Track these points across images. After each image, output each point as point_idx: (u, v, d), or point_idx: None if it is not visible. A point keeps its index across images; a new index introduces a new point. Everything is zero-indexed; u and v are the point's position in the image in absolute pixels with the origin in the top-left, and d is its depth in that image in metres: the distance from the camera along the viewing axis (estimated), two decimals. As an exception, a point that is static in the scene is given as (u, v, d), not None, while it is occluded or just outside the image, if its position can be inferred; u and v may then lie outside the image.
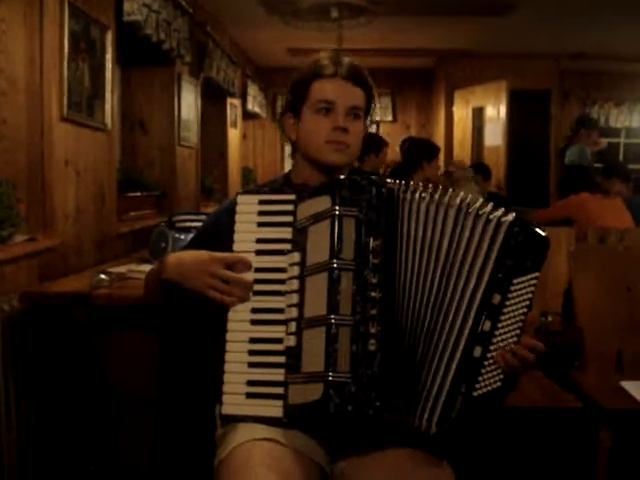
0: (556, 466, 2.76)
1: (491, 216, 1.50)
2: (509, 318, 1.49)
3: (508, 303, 1.48)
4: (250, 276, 1.59)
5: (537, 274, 1.50)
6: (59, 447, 2.76)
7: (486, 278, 1.48)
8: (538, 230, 1.52)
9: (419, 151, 4.43)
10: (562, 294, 3.42)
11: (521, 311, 1.49)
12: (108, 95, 3.58)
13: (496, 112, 7.62)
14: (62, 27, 3.01)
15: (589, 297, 2.85)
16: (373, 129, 9.45)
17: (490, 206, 1.51)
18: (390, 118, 9.37)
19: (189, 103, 5.39)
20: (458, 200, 1.51)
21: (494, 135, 7.58)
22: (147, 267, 2.71)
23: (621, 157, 9.60)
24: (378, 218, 1.50)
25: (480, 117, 7.95)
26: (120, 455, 2.56)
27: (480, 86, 7.91)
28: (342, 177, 1.54)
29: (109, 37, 3.56)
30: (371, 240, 1.48)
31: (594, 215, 4.50)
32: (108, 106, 3.59)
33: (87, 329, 2.59)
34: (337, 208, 1.48)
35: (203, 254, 1.63)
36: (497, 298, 1.47)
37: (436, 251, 1.51)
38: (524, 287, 1.49)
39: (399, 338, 1.48)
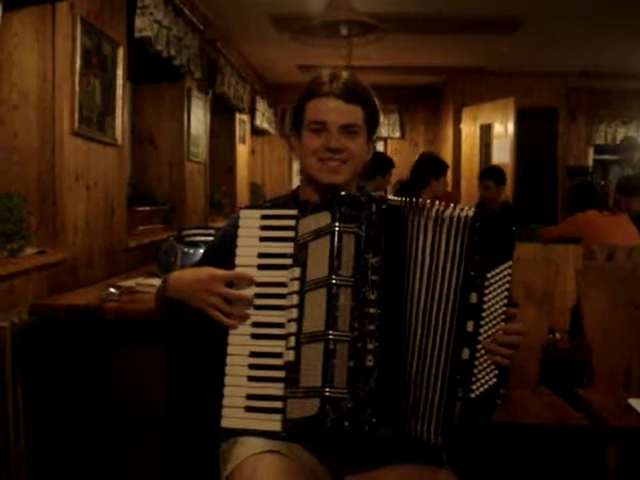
0: (564, 484, 2.75)
1: (458, 216, 1.52)
2: (490, 313, 1.52)
3: (486, 299, 1.51)
4: (251, 291, 1.60)
5: (509, 263, 1.53)
6: (66, 461, 2.76)
7: (461, 279, 1.51)
8: (499, 221, 1.55)
9: (427, 168, 4.45)
10: (570, 312, 3.42)
11: (501, 303, 1.53)
12: (119, 110, 3.61)
13: (504, 129, 7.63)
14: (74, 43, 3.04)
15: (597, 314, 2.85)
16: (381, 146, 9.49)
17: (458, 208, 1.54)
18: (398, 135, 9.39)
19: (198, 118, 5.42)
20: (434, 209, 1.53)
21: (502, 152, 7.58)
22: (155, 281, 2.72)
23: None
24: (378, 235, 1.51)
25: (488, 134, 7.96)
26: (127, 469, 2.56)
27: (488, 103, 7.93)
28: (342, 193, 1.54)
29: (120, 53, 3.59)
30: (370, 257, 1.49)
31: (601, 232, 4.49)
32: (119, 121, 3.61)
33: (96, 342, 2.60)
34: (337, 224, 1.49)
35: (203, 272, 1.65)
36: (474, 297, 1.50)
37: (420, 264, 1.52)
38: (499, 279, 1.52)
39: (397, 354, 1.49)
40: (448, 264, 1.52)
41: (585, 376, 2.89)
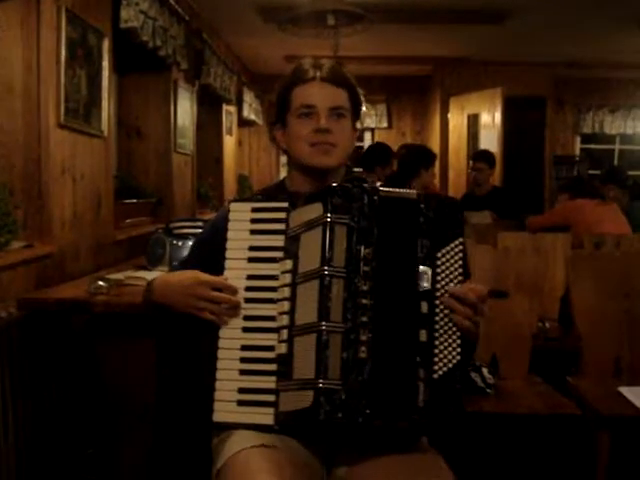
0: (555, 473, 2.75)
1: (403, 199, 1.55)
2: (445, 292, 1.52)
3: (439, 278, 1.52)
4: (239, 296, 1.60)
5: (460, 239, 1.55)
6: (56, 455, 2.74)
7: (412, 260, 1.51)
8: (443, 199, 1.57)
9: (416, 159, 4.44)
10: (559, 300, 3.43)
11: (455, 281, 1.53)
12: (105, 102, 3.58)
13: (491, 119, 7.64)
14: (59, 34, 3.01)
15: (587, 303, 2.86)
16: (368, 135, 9.48)
17: (403, 191, 1.56)
18: (385, 125, 9.38)
19: (185, 110, 5.38)
20: (392, 195, 1.55)
21: (489, 142, 7.58)
22: (144, 274, 2.72)
23: (615, 163, 9.65)
24: (370, 226, 1.50)
25: (475, 124, 7.97)
26: (118, 463, 2.55)
27: (475, 93, 7.92)
28: (334, 185, 1.53)
29: (106, 44, 3.56)
30: (362, 248, 1.49)
31: (590, 221, 4.51)
32: (105, 113, 3.58)
33: (85, 336, 2.58)
34: (329, 216, 1.48)
35: (188, 277, 1.65)
36: (425, 278, 1.51)
37: (394, 251, 1.52)
38: (450, 257, 1.53)
39: (387, 344, 1.48)
40: (403, 247, 1.52)
41: (574, 365, 2.90)
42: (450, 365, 1.50)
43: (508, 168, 7.52)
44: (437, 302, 1.51)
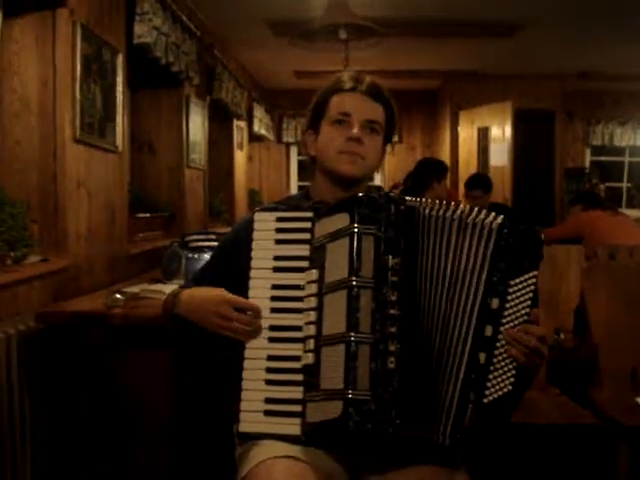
0: (573, 484, 2.74)
1: (484, 222, 1.52)
2: (511, 320, 1.50)
3: (508, 305, 1.50)
4: (263, 321, 1.59)
5: (535, 272, 1.52)
6: (73, 468, 2.74)
7: (483, 284, 1.50)
8: (528, 229, 1.54)
9: (429, 171, 4.44)
10: (573, 312, 3.42)
11: (523, 311, 1.51)
12: (119, 117, 3.60)
13: (501, 132, 7.62)
14: (74, 49, 3.03)
15: (602, 314, 2.84)
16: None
17: (484, 213, 1.53)
18: (395, 139, 9.38)
19: (197, 125, 5.41)
20: (459, 212, 1.53)
21: (499, 155, 7.57)
22: (160, 287, 2.72)
23: (625, 175, 9.65)
24: (397, 236, 1.50)
25: (485, 137, 7.95)
26: (134, 476, 2.54)
27: (485, 106, 7.92)
28: (360, 195, 1.54)
29: (120, 59, 3.59)
30: (390, 258, 1.48)
31: (604, 232, 4.50)
32: (119, 128, 3.60)
33: (102, 348, 2.59)
34: (356, 226, 1.49)
35: (214, 295, 1.64)
36: (495, 302, 1.49)
37: (444, 265, 1.52)
38: (523, 287, 1.51)
39: (417, 355, 1.48)
40: (470, 268, 1.51)
41: (589, 376, 2.88)
42: (500, 393, 1.48)
43: (518, 181, 7.51)
44: (501, 329, 1.49)
